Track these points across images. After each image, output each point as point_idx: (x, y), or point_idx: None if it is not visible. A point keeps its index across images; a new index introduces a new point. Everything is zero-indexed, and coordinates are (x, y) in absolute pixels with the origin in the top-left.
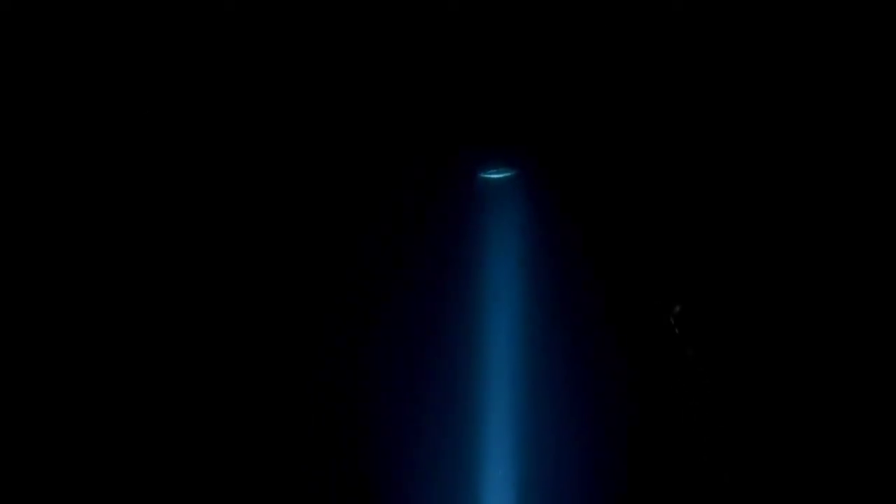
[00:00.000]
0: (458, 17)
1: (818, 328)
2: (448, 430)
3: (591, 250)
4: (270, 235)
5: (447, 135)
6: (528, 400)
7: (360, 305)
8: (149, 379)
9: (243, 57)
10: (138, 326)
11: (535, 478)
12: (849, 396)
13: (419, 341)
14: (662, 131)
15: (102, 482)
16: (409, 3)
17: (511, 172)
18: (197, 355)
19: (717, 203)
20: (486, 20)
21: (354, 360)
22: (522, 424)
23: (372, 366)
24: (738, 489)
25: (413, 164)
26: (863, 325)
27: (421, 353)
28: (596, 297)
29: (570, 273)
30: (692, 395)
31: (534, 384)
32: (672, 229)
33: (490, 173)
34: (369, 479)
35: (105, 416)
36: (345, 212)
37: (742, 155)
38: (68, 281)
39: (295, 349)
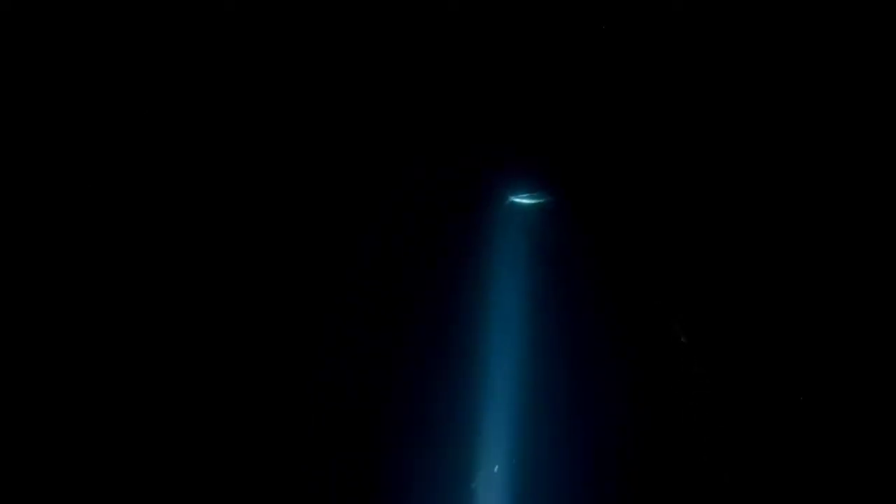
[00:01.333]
0: (501, 51)
1: (817, 330)
2: (451, 434)
3: (601, 263)
4: (280, 236)
5: (479, 154)
6: (530, 404)
7: (362, 307)
8: (149, 379)
9: (253, 57)
10: (138, 326)
11: (537, 480)
12: (848, 397)
13: (425, 344)
14: (686, 160)
15: (103, 482)
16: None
17: (542, 198)
18: (197, 355)
19: (739, 232)
20: (526, 59)
21: (355, 361)
22: (525, 429)
23: (374, 367)
24: (738, 489)
25: (442, 178)
26: (863, 326)
27: (427, 355)
28: (601, 307)
29: (579, 286)
30: (692, 396)
31: (536, 389)
32: (694, 257)
33: (521, 197)
34: (369, 479)
35: (106, 416)
36: (370, 221)
37: (761, 181)
38: (68, 281)
39: (295, 349)
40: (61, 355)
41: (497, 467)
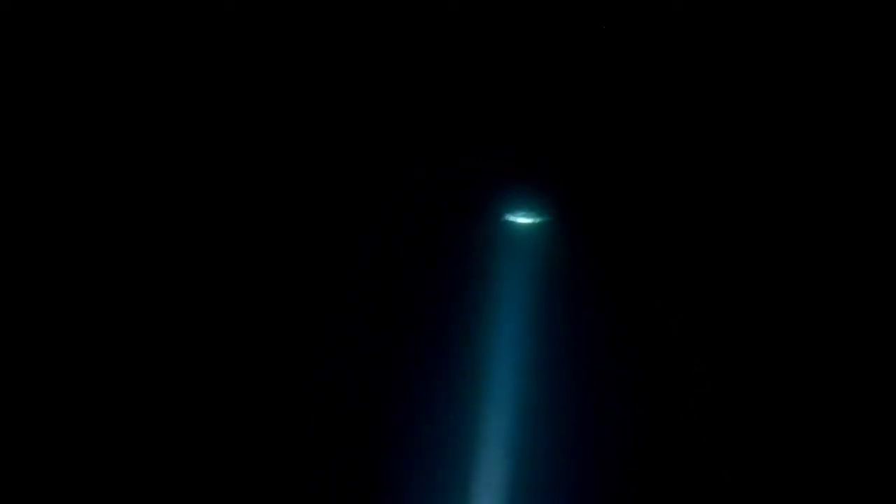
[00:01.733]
0: (501, 51)
1: (816, 331)
2: (450, 434)
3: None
4: (280, 236)
5: (479, 155)
6: (529, 404)
7: (362, 307)
8: (149, 379)
9: (253, 57)
10: (139, 327)
11: (537, 480)
12: (848, 396)
13: (425, 344)
14: (684, 177)
15: (103, 482)
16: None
17: (538, 218)
18: (198, 355)
19: (737, 235)
20: (531, 75)
21: (355, 361)
22: (524, 429)
23: (374, 367)
24: (738, 489)
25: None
26: (861, 325)
27: (427, 355)
28: (600, 305)
29: (578, 286)
30: (692, 396)
31: (536, 389)
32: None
33: (517, 216)
34: (369, 479)
35: (106, 416)
36: (370, 221)
37: (758, 185)
38: (69, 281)
39: (295, 349)
40: (62, 355)
41: (496, 470)
